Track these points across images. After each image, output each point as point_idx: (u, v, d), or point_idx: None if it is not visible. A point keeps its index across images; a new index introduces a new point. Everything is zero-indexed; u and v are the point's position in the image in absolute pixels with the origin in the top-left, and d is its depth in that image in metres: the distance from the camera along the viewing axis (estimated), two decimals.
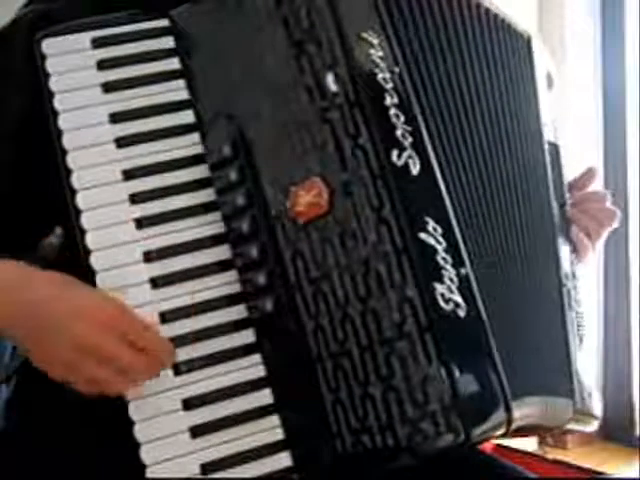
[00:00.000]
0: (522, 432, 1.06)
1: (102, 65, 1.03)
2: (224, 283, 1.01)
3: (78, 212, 0.99)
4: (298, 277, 0.98)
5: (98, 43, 1.03)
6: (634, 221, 2.35)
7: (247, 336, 1.00)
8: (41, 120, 1.01)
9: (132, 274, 0.99)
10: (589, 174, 1.28)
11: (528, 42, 1.21)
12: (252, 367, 1.00)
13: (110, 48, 1.04)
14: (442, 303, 0.94)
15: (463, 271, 0.97)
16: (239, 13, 1.03)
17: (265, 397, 0.99)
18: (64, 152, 1.00)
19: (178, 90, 1.04)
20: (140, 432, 0.96)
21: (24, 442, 1.11)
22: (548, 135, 1.20)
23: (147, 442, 0.96)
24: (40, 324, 0.95)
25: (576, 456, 2.37)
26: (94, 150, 1.01)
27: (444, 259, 0.96)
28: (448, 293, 0.95)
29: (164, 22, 1.06)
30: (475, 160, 1.05)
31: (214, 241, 1.01)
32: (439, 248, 0.96)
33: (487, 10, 1.13)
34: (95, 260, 0.99)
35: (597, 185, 1.30)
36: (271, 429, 0.99)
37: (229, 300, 1.01)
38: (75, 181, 1.00)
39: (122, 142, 1.01)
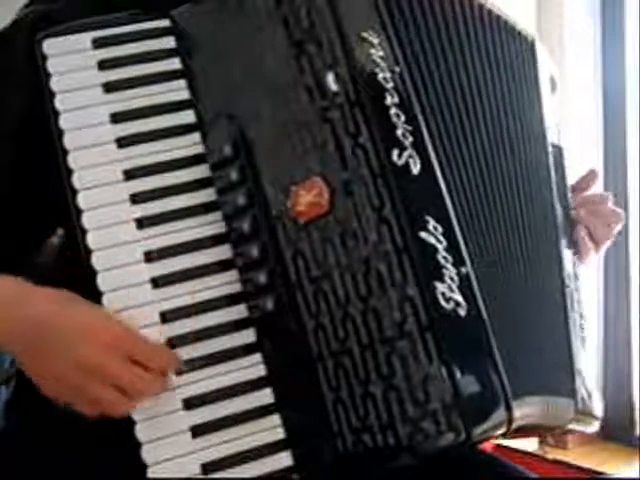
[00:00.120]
0: (523, 432, 1.06)
1: (103, 65, 1.03)
2: (225, 283, 1.01)
3: (79, 212, 0.99)
4: (299, 276, 0.98)
5: (99, 43, 1.03)
6: (634, 221, 2.35)
7: (248, 336, 1.00)
8: (42, 120, 1.01)
9: (133, 274, 0.99)
10: (591, 176, 1.29)
11: (532, 45, 1.21)
12: (253, 366, 1.00)
13: (111, 48, 1.04)
14: (443, 302, 0.95)
15: (464, 270, 0.97)
16: (239, 13, 1.03)
17: (266, 396, 0.99)
18: (65, 152, 1.00)
19: (179, 90, 1.05)
20: (141, 432, 0.96)
21: (24, 442, 1.11)
22: (552, 137, 1.20)
23: (148, 442, 0.96)
24: (39, 340, 0.95)
25: (576, 456, 2.36)
26: (95, 150, 1.01)
27: (445, 258, 0.96)
28: (449, 292, 0.95)
29: (165, 22, 1.06)
30: (476, 160, 1.05)
31: (215, 241, 1.01)
32: (440, 247, 0.96)
33: (490, 11, 1.13)
34: (96, 260, 0.99)
35: (598, 186, 1.30)
36: (272, 428, 0.99)
37: (230, 300, 1.01)
38: (76, 181, 1.00)
39: (123, 142, 1.02)
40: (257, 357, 1.00)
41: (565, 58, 2.44)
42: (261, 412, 0.99)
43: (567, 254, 1.17)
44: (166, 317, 0.99)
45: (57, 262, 1.13)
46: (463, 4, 1.10)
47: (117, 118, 1.02)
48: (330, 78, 0.99)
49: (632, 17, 2.43)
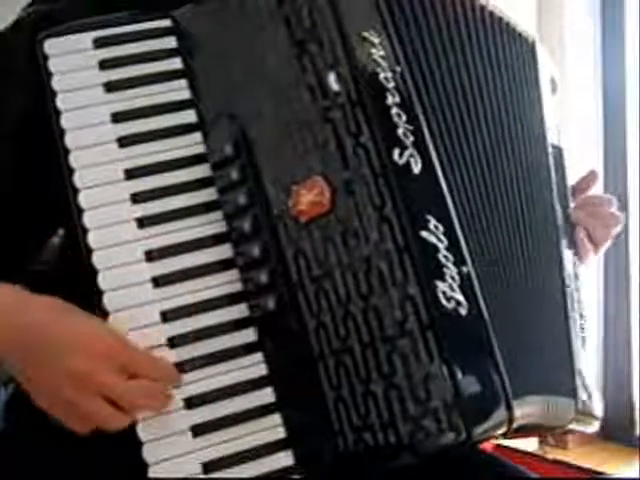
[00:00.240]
0: (523, 432, 1.06)
1: (104, 65, 1.03)
2: (225, 282, 1.01)
3: (80, 211, 0.99)
4: (300, 275, 0.98)
5: (100, 43, 1.03)
6: (634, 221, 2.35)
7: (248, 335, 1.00)
8: (43, 120, 1.01)
9: (133, 273, 0.99)
10: (591, 177, 1.29)
11: (533, 46, 1.21)
12: (254, 366, 1.00)
13: (112, 48, 1.04)
14: (444, 301, 0.95)
15: (465, 269, 0.97)
16: (241, 13, 1.03)
17: (267, 396, 0.99)
18: (66, 151, 1.00)
19: (180, 90, 1.05)
20: (141, 431, 0.96)
21: (23, 444, 1.11)
22: (552, 139, 1.20)
23: (148, 441, 0.96)
24: (35, 349, 0.94)
25: (576, 456, 2.37)
26: (96, 149, 1.01)
27: (445, 257, 0.96)
28: (449, 291, 0.95)
29: (166, 22, 1.06)
30: (477, 159, 1.06)
31: (216, 240, 1.01)
32: (440, 246, 0.96)
33: (492, 13, 1.13)
34: (97, 259, 0.99)
35: (598, 187, 1.30)
36: (273, 428, 0.99)
37: (230, 299, 1.00)
38: (77, 180, 1.00)
39: (124, 141, 1.02)
40: (258, 356, 1.00)
41: (565, 58, 2.44)
42: (262, 411, 0.99)
43: (567, 254, 1.18)
44: (167, 316, 0.99)
45: (58, 261, 1.13)
46: (464, 5, 1.10)
47: (118, 118, 1.02)
48: (331, 78, 0.99)
49: (632, 17, 2.43)
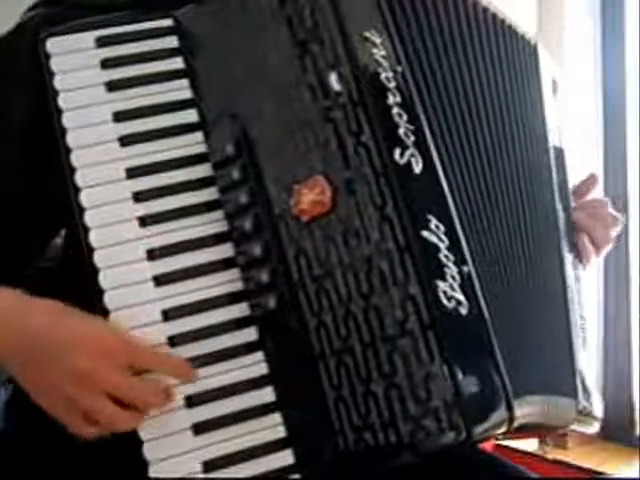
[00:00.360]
0: (524, 432, 1.07)
1: (106, 64, 1.03)
2: (227, 281, 1.01)
3: (82, 210, 0.99)
4: (301, 275, 0.98)
5: (102, 42, 1.04)
6: (634, 222, 2.35)
7: (249, 334, 1.00)
8: (46, 119, 1.02)
9: (135, 272, 0.99)
10: (591, 180, 1.29)
11: (535, 48, 1.21)
12: (254, 365, 1.00)
13: (114, 47, 1.04)
14: (444, 301, 0.95)
15: (465, 269, 0.97)
16: (243, 13, 1.03)
17: (267, 395, 0.99)
18: (68, 150, 1.00)
19: (181, 89, 1.05)
20: (142, 430, 0.96)
21: (23, 444, 1.11)
22: (553, 140, 1.20)
23: (149, 440, 0.96)
24: (35, 352, 0.95)
25: (576, 456, 2.36)
26: (98, 148, 1.01)
27: (446, 257, 0.96)
28: (450, 291, 0.95)
29: (168, 22, 1.06)
30: (479, 159, 1.06)
31: (217, 239, 1.01)
32: (441, 246, 0.96)
33: (494, 14, 1.13)
34: (98, 258, 0.99)
35: (598, 189, 1.30)
36: (273, 427, 0.99)
37: (231, 298, 1.01)
38: (79, 179, 1.00)
39: (125, 140, 1.02)
40: (259, 355, 1.00)
41: (565, 58, 2.44)
42: (262, 410, 0.99)
43: (568, 255, 1.18)
44: (168, 315, 0.99)
45: (59, 260, 1.13)
46: (466, 6, 1.10)
47: (120, 117, 1.02)
48: (333, 78, 0.99)
49: (632, 17, 2.43)
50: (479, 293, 0.97)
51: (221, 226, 1.02)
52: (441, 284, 0.95)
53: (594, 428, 1.18)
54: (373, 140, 0.97)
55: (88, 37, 1.04)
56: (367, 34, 1.01)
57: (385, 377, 0.95)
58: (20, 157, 1.08)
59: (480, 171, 1.05)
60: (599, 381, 2.44)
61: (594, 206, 1.25)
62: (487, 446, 1.44)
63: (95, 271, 0.99)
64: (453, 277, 0.96)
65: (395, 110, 0.99)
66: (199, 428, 0.97)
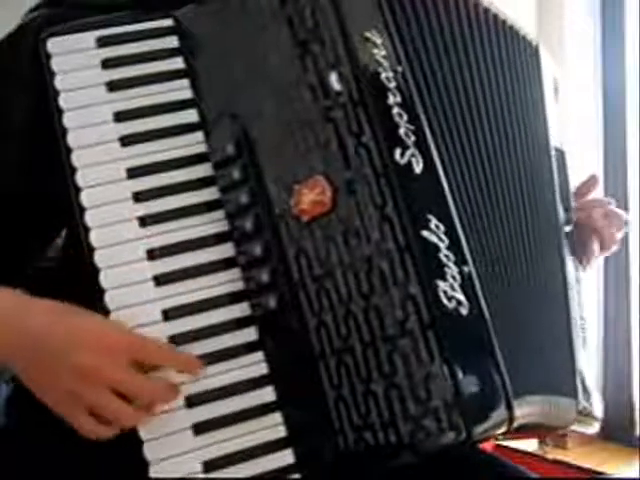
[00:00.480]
0: (524, 432, 1.07)
1: (106, 64, 1.03)
2: (227, 281, 1.01)
3: (82, 210, 1.00)
4: (301, 275, 0.98)
5: (103, 42, 1.04)
6: (634, 222, 2.35)
7: (250, 334, 1.00)
8: (47, 119, 1.02)
9: (135, 271, 0.99)
10: (591, 181, 1.29)
11: (536, 49, 1.21)
12: (254, 365, 1.00)
13: (114, 47, 1.04)
14: (444, 301, 0.95)
15: (466, 269, 0.97)
16: (243, 13, 1.03)
17: (267, 394, 0.99)
18: (69, 150, 1.01)
19: (182, 89, 1.05)
20: (143, 429, 0.96)
21: (25, 439, 1.11)
22: (555, 141, 1.20)
23: (149, 439, 0.96)
24: (38, 351, 0.95)
25: (576, 456, 2.36)
26: (98, 148, 1.01)
27: (447, 257, 0.96)
28: (450, 291, 0.95)
29: (168, 22, 1.06)
30: (479, 160, 1.06)
31: (217, 239, 1.02)
32: (441, 246, 0.96)
33: (495, 15, 1.14)
34: (99, 257, 0.99)
35: (598, 190, 1.30)
36: (273, 427, 0.99)
37: (232, 298, 1.01)
38: (79, 179, 1.00)
39: (126, 140, 1.02)
40: (259, 355, 1.00)
41: (565, 58, 2.44)
42: (262, 410, 0.99)
43: (569, 256, 1.18)
44: (168, 315, 0.99)
45: (60, 260, 1.13)
46: (467, 6, 1.10)
47: (120, 117, 1.02)
48: (333, 77, 0.99)
49: (632, 17, 2.43)
50: (479, 293, 0.97)
51: (221, 226, 1.02)
52: (441, 284, 0.95)
53: (594, 428, 1.18)
54: (373, 140, 0.98)
55: (89, 37, 1.04)
56: (368, 34, 1.01)
57: (385, 377, 0.95)
58: (21, 157, 1.08)
59: (481, 171, 1.05)
60: (599, 381, 2.44)
61: (596, 206, 1.25)
62: (487, 446, 1.44)
63: (96, 271, 0.99)
64: (453, 277, 0.96)
65: (395, 110, 0.99)
66: (199, 428, 0.97)
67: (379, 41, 1.01)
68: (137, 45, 1.05)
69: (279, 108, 1.01)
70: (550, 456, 2.34)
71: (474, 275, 0.98)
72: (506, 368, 0.97)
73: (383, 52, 1.01)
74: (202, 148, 1.04)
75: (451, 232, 0.98)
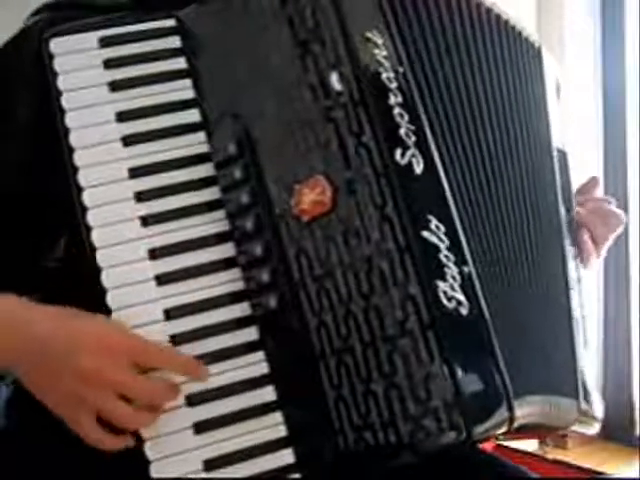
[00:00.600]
0: (525, 432, 1.07)
1: (109, 64, 1.03)
2: (228, 281, 1.01)
3: (84, 209, 1.00)
4: (302, 274, 0.98)
5: (105, 42, 1.04)
6: (634, 221, 2.35)
7: (250, 333, 1.00)
8: (50, 120, 1.02)
9: (137, 271, 0.99)
10: (592, 183, 1.29)
11: (539, 50, 1.21)
12: (255, 364, 1.00)
13: (117, 47, 1.04)
14: (444, 301, 0.95)
15: (466, 269, 0.97)
16: (245, 13, 1.03)
17: (268, 394, 0.99)
18: (71, 150, 1.01)
19: (184, 89, 1.05)
20: (143, 429, 0.96)
21: (25, 441, 1.11)
22: (557, 142, 1.20)
23: (150, 438, 0.96)
24: (42, 357, 0.95)
25: (576, 456, 2.36)
26: (101, 148, 1.01)
27: (447, 257, 0.96)
28: (450, 291, 0.95)
29: (171, 22, 1.06)
30: (481, 160, 1.06)
31: (218, 239, 1.02)
32: (442, 246, 0.96)
33: (498, 15, 1.14)
34: (101, 257, 0.99)
35: (599, 193, 1.30)
36: (274, 426, 0.99)
37: (233, 297, 1.01)
38: (81, 179, 1.00)
39: (128, 140, 1.02)
40: (260, 355, 1.00)
41: (565, 58, 2.44)
42: (263, 410, 0.99)
43: (571, 257, 1.18)
44: (170, 314, 0.99)
45: (62, 260, 1.13)
46: (470, 6, 1.10)
47: (122, 117, 1.02)
48: (334, 78, 0.99)
49: (632, 17, 2.43)
50: (480, 293, 0.97)
51: (222, 226, 1.02)
52: (441, 284, 0.95)
53: (595, 429, 1.18)
54: (374, 140, 0.98)
55: (91, 37, 1.04)
56: (369, 34, 1.01)
57: (385, 377, 0.95)
58: (24, 157, 1.08)
59: (482, 172, 1.05)
60: (599, 381, 2.44)
61: (595, 202, 1.25)
62: (487, 446, 1.44)
63: (97, 270, 0.99)
64: (453, 277, 0.96)
65: (396, 110, 0.99)
66: (200, 427, 0.97)
67: (380, 41, 1.01)
68: (139, 45, 1.05)
69: (280, 108, 1.01)
70: (550, 456, 2.34)
71: (474, 275, 0.98)
72: (506, 368, 0.97)
73: (384, 52, 1.01)
74: (204, 148, 1.04)
75: (451, 233, 0.98)
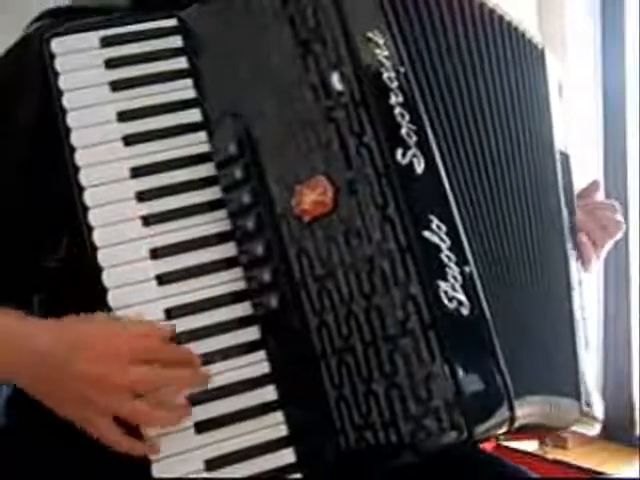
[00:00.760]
0: (525, 432, 1.07)
1: (110, 64, 1.04)
2: (229, 280, 1.01)
3: (85, 209, 1.00)
4: (303, 274, 0.98)
5: (106, 42, 1.04)
6: (634, 222, 2.35)
7: (251, 333, 1.01)
8: (52, 119, 1.02)
9: (138, 271, 1.00)
10: (593, 187, 1.29)
11: (542, 52, 1.21)
12: (256, 364, 1.00)
13: (118, 47, 1.04)
14: (445, 301, 0.95)
15: (467, 269, 0.97)
16: (246, 13, 1.03)
17: (269, 394, 1.00)
18: (72, 150, 1.01)
19: (185, 89, 1.05)
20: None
21: (25, 440, 1.12)
22: (559, 144, 1.20)
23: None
24: (43, 367, 0.96)
25: (576, 456, 2.36)
26: (102, 148, 1.02)
27: (448, 257, 0.96)
28: (451, 291, 0.95)
29: (172, 22, 1.06)
30: (482, 160, 1.06)
31: (220, 239, 1.02)
32: (443, 246, 0.97)
33: (501, 16, 1.14)
34: (102, 257, 0.99)
35: (600, 197, 1.30)
36: (275, 425, 0.99)
37: (234, 297, 1.01)
38: (83, 178, 1.00)
39: (129, 140, 1.02)
40: (261, 354, 1.00)
41: (566, 58, 2.44)
42: (264, 409, 0.99)
43: (573, 259, 1.18)
44: (171, 314, 0.99)
45: (63, 260, 1.13)
46: (472, 7, 1.10)
47: (124, 116, 1.03)
48: (335, 78, 0.99)
49: (632, 17, 2.42)
50: (481, 293, 0.98)
51: (224, 225, 1.02)
52: (442, 284, 0.95)
53: (595, 430, 1.18)
54: (375, 140, 0.98)
55: (92, 37, 1.04)
56: (370, 34, 1.01)
57: (386, 377, 0.95)
58: (25, 156, 1.08)
59: (483, 172, 1.05)
60: (599, 381, 2.44)
61: (596, 208, 1.25)
62: (487, 446, 1.44)
63: (99, 270, 0.99)
64: (455, 277, 0.96)
65: (397, 110, 0.99)
66: (201, 427, 0.98)
67: (381, 41, 1.01)
68: (140, 45, 1.05)
69: (281, 108, 1.01)
70: (550, 456, 2.34)
71: (475, 276, 0.98)
72: (507, 368, 0.97)
73: (385, 52, 1.01)
74: (205, 148, 1.04)
75: (453, 233, 0.98)
